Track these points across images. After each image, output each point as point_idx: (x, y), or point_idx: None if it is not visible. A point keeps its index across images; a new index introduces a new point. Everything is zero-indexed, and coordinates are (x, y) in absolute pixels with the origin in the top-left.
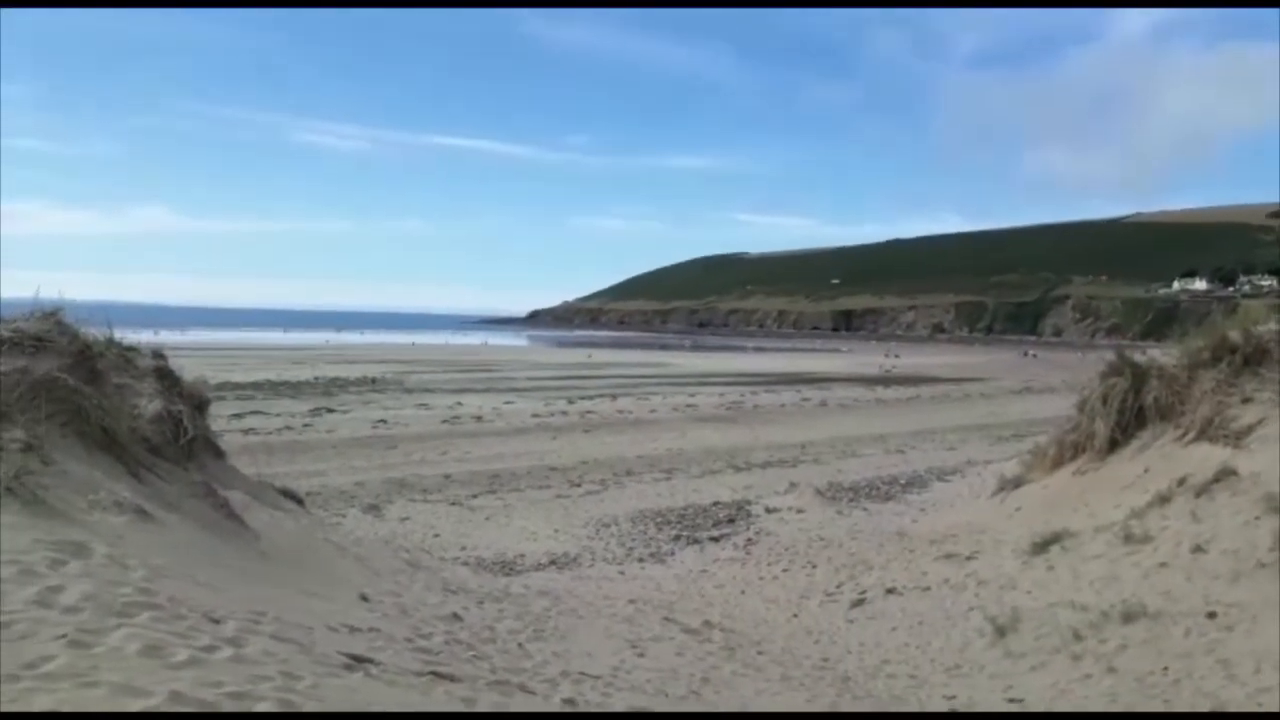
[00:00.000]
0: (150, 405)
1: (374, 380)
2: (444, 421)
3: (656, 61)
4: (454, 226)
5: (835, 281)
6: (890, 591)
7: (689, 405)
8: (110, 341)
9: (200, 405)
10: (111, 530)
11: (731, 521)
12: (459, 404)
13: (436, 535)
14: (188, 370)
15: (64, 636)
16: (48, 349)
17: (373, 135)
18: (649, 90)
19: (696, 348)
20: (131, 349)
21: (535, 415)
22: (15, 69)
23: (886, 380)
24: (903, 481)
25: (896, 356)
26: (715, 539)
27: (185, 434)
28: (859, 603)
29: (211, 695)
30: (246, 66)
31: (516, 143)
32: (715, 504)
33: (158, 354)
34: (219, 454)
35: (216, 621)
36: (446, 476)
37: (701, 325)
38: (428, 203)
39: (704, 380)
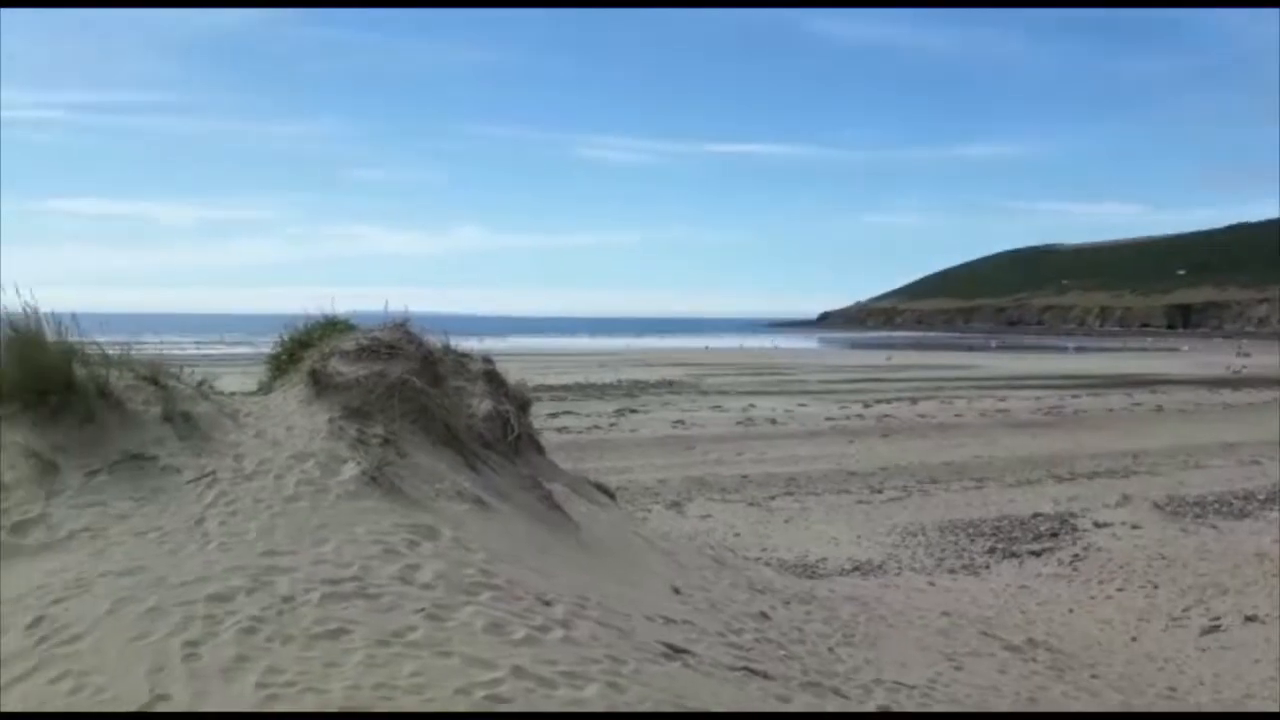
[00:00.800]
0: (482, 405)
1: (671, 383)
2: (738, 423)
3: (938, 48)
4: (739, 231)
5: (1181, 272)
6: (1251, 619)
7: (999, 410)
8: (447, 348)
9: (523, 405)
10: (455, 517)
11: (1054, 535)
12: (752, 406)
13: (737, 534)
14: (509, 374)
15: (423, 610)
16: (398, 355)
17: (656, 147)
18: (935, 79)
19: (1005, 348)
20: (464, 355)
21: (829, 419)
22: (348, 107)
23: (1235, 382)
24: (1261, 496)
25: (1246, 355)
26: (1036, 553)
27: (512, 431)
28: (1212, 629)
29: (548, 672)
30: (542, 88)
31: (798, 143)
32: (1035, 516)
33: (486, 359)
34: (540, 450)
35: (548, 604)
36: (744, 477)
37: (1011, 324)
38: (713, 210)
39: (1016, 383)
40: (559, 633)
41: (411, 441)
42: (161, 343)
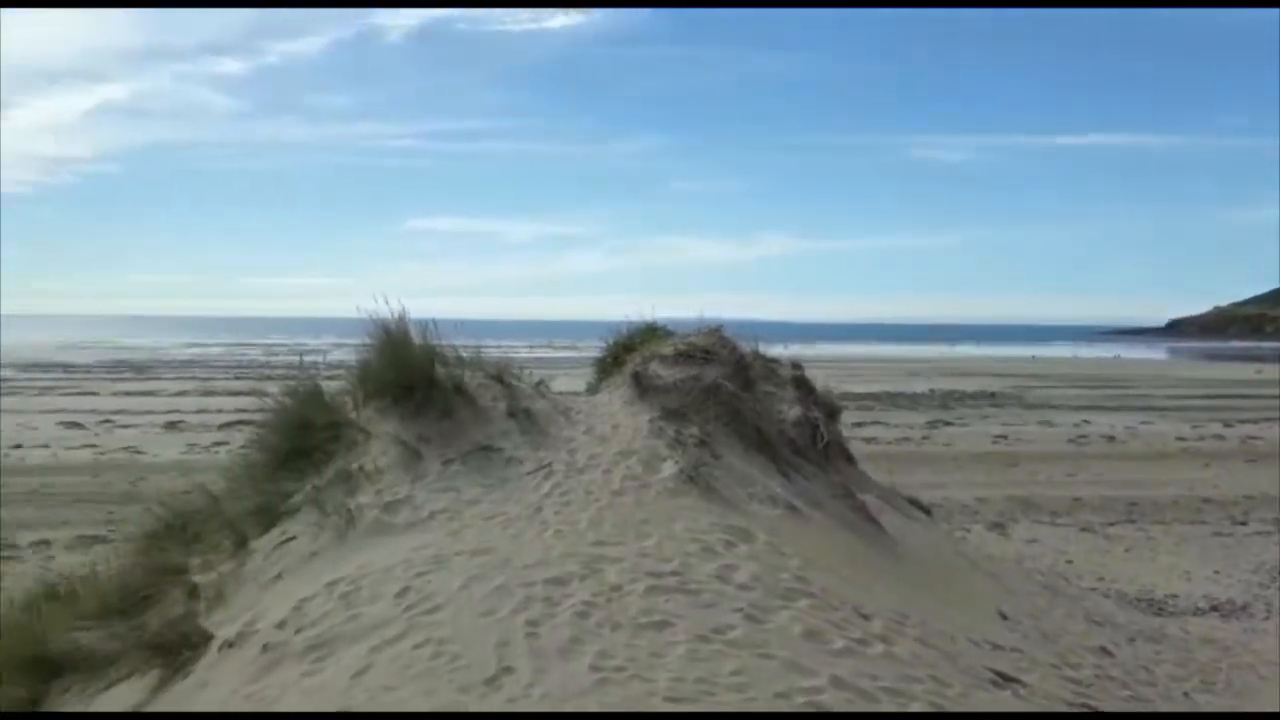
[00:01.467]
0: (791, 411)
1: (992, 394)
2: (1070, 440)
3: None
4: (1076, 230)
5: None
6: None
7: None
8: (756, 353)
9: (832, 413)
10: (768, 521)
11: None
12: (1086, 422)
13: (1069, 561)
14: (814, 380)
15: (741, 610)
16: (713, 360)
17: (983, 143)
18: None
19: None
20: (773, 360)
21: (1180, 438)
22: (669, 123)
23: None
24: None
25: None
26: None
27: (821, 439)
28: None
29: (869, 686)
30: (853, 92)
31: (1151, 133)
32: None
33: (796, 365)
34: (850, 459)
35: (865, 617)
36: (1076, 500)
37: None
38: (1044, 207)
39: None
40: (879, 647)
41: (724, 444)
42: (499, 347)
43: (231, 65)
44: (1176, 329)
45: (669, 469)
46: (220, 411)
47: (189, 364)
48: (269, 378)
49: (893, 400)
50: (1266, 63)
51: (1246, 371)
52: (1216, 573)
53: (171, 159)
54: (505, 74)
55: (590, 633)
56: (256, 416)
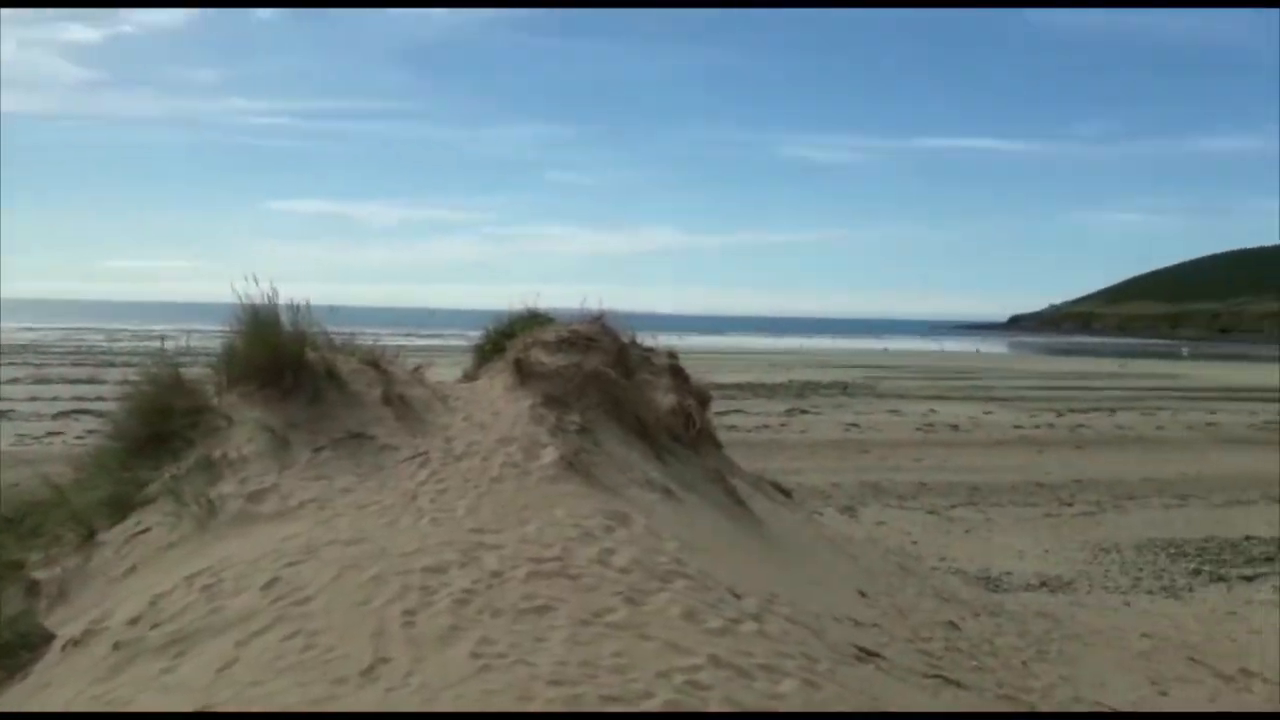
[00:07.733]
0: (666, 399)
1: (845, 385)
2: (917, 429)
3: (1189, 35)
4: (936, 230)
5: None
6: None
7: (1208, 423)
8: (634, 342)
9: (704, 401)
10: (646, 505)
11: (1270, 560)
12: (933, 411)
13: (914, 542)
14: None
15: (621, 593)
16: (594, 347)
17: (858, 144)
18: (1180, 68)
19: (1202, 355)
20: (649, 349)
21: (1017, 427)
22: (551, 113)
23: None
24: None
25: None
26: (1248, 578)
27: (694, 425)
28: None
29: (745, 663)
30: (739, 89)
31: (1011, 138)
32: (1247, 538)
33: (672, 355)
34: (718, 445)
35: (738, 596)
36: (921, 484)
37: (1223, 331)
38: (910, 208)
39: (1229, 394)
40: (752, 625)
41: (605, 430)
42: (369, 333)
43: (82, 33)
44: (1017, 324)
45: (549, 455)
46: (55, 400)
47: (23, 349)
48: (111, 364)
49: (754, 390)
50: (1123, 74)
51: (1080, 364)
52: (1046, 551)
53: (19, 129)
54: (383, 55)
55: (470, 620)
56: (101, 405)
